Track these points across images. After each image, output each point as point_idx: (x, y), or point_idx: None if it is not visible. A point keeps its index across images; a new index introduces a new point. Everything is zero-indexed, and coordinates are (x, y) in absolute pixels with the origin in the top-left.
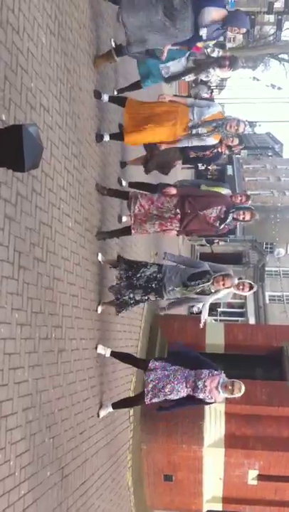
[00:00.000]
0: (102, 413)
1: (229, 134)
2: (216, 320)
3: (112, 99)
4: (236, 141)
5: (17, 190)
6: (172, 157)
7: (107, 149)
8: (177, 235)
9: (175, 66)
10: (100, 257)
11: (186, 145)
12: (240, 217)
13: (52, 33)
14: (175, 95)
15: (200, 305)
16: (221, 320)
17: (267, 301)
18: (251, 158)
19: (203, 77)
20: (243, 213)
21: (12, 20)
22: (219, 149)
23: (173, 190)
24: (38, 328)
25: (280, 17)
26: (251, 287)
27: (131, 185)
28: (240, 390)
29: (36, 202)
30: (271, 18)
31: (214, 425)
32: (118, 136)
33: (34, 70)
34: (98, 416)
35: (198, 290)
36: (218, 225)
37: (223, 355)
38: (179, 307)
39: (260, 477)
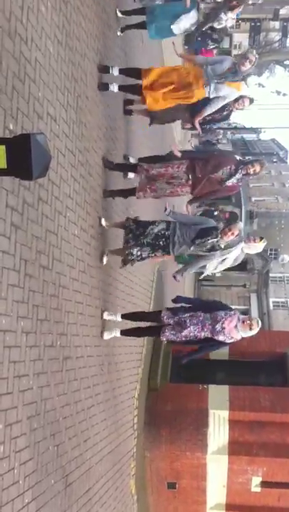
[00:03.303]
0: (107, 335)
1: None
2: None
3: (122, 71)
4: (247, 102)
5: (24, 198)
6: (181, 117)
7: (115, 153)
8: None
9: (187, 21)
10: (103, 222)
11: (210, 112)
12: (251, 171)
13: (59, 42)
14: (184, 55)
15: (211, 268)
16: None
17: (271, 307)
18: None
19: (216, 25)
20: (252, 165)
21: (20, 30)
22: (231, 108)
23: (178, 154)
24: (43, 335)
25: (285, 24)
26: (261, 239)
27: (141, 160)
28: (258, 324)
29: (43, 210)
30: (277, 24)
31: (218, 432)
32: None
33: (42, 80)
34: (102, 336)
35: (208, 247)
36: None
37: (227, 361)
38: (192, 269)
39: (264, 484)
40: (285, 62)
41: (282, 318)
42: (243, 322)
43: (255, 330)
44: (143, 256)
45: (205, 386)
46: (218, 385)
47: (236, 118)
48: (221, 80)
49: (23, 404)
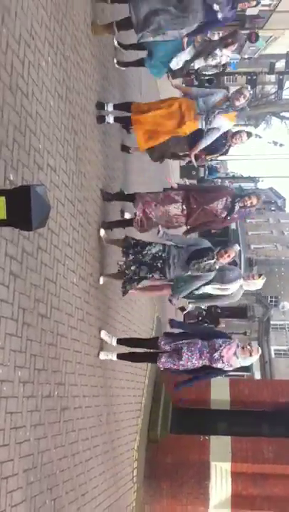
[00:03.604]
0: (103, 356)
1: (238, 107)
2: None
3: (116, 106)
4: (245, 137)
5: (23, 247)
6: (180, 149)
7: (112, 207)
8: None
9: (184, 56)
10: (102, 233)
11: (206, 144)
12: (248, 203)
13: (60, 96)
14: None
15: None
16: (225, 375)
17: (272, 356)
18: (254, 213)
19: (210, 61)
20: (249, 198)
21: (21, 84)
22: (229, 143)
23: (175, 185)
24: (41, 385)
25: (281, 77)
26: (260, 275)
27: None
28: (258, 350)
29: (42, 258)
30: (272, 77)
31: (220, 485)
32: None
33: (42, 132)
34: (98, 356)
35: (206, 268)
36: (225, 215)
37: (229, 411)
38: (188, 290)
39: None
40: (281, 114)
41: (284, 366)
42: (243, 348)
43: (256, 356)
44: (141, 275)
45: (206, 437)
46: (219, 435)
47: (234, 167)
48: (213, 112)
49: (20, 457)
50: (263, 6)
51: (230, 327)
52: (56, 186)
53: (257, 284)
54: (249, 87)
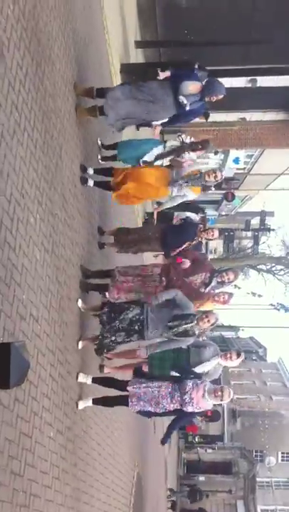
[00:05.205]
0: (82, 404)
1: (210, 183)
2: None
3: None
4: (216, 233)
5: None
6: (151, 247)
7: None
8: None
9: (156, 151)
10: (80, 303)
11: (169, 206)
12: (225, 279)
13: (46, 250)
14: None
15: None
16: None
17: None
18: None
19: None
20: (227, 274)
21: (9, 239)
22: (199, 239)
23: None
24: None
25: (256, 233)
26: (239, 355)
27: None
28: (229, 395)
29: (18, 411)
30: (249, 233)
31: None
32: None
33: (27, 283)
34: (77, 407)
35: (180, 330)
36: (203, 290)
37: None
38: (163, 348)
39: None
40: (258, 267)
41: None
42: (215, 395)
43: (227, 400)
44: (118, 340)
45: None
46: None
47: (216, 323)
48: (184, 183)
49: None
50: (238, 169)
51: (214, 484)
52: (37, 336)
53: (234, 363)
54: (223, 169)
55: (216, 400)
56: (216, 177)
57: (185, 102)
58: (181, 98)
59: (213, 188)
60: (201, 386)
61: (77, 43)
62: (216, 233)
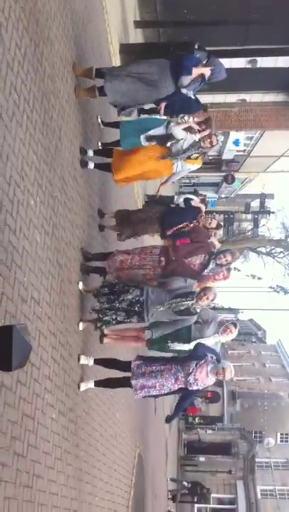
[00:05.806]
0: (84, 386)
1: (206, 149)
2: None
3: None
4: (214, 222)
5: (2, 381)
6: (151, 230)
7: (92, 336)
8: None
9: (154, 132)
10: (80, 286)
11: (174, 179)
12: (223, 261)
13: (46, 232)
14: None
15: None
16: None
17: (259, 497)
18: (236, 344)
19: (176, 121)
20: (224, 256)
21: (10, 221)
22: (196, 222)
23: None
24: None
25: (256, 216)
26: (235, 325)
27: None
28: (231, 373)
29: (20, 393)
30: (248, 216)
31: None
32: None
33: (28, 266)
34: (79, 388)
35: (182, 308)
36: (201, 270)
37: None
38: (166, 331)
39: None
40: (257, 249)
41: (271, 508)
42: (217, 373)
43: (228, 378)
44: (118, 319)
45: None
46: None
47: (215, 299)
48: (182, 154)
49: None
50: (238, 151)
51: (214, 464)
52: (39, 318)
53: (234, 335)
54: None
55: (219, 377)
56: (211, 142)
57: (189, 94)
58: (185, 91)
59: (210, 158)
60: (204, 366)
61: (76, 23)
62: (214, 223)
